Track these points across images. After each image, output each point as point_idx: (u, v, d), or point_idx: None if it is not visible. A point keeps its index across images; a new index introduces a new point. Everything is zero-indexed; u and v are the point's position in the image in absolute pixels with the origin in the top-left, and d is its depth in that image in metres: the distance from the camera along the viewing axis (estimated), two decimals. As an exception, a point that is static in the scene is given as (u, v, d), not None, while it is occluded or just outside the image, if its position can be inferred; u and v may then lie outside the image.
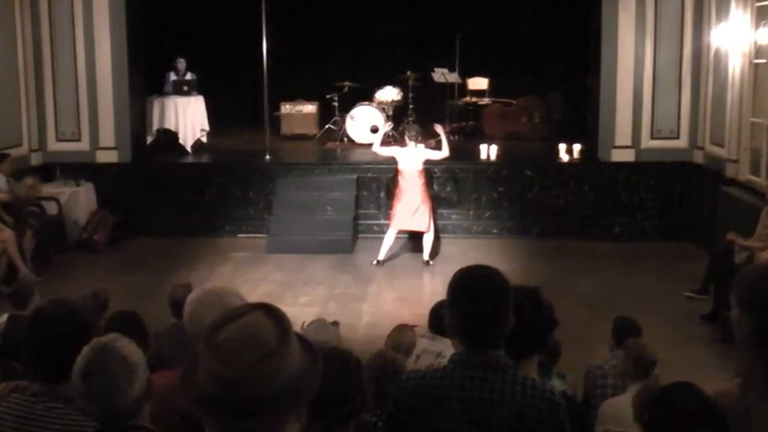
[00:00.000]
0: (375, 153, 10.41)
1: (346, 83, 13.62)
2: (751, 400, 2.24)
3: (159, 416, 2.54)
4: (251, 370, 1.59)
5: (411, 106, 13.33)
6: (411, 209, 9.79)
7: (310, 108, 14.21)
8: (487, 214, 11.31)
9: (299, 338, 1.73)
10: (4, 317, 5.10)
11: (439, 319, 4.63)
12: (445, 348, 4.17)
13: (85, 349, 2.42)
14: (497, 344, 2.55)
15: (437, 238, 10.33)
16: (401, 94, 13.63)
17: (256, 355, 1.61)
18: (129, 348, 2.43)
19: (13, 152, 10.59)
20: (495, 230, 11.27)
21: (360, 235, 11.08)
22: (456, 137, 13.30)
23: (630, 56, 11.30)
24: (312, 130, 14.08)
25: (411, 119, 13.02)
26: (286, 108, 14.12)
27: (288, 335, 1.67)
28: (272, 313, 1.69)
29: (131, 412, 2.40)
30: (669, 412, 2.35)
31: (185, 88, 13.04)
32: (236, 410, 1.60)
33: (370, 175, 11.34)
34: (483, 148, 11.72)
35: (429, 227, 9.92)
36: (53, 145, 11.74)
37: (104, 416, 2.39)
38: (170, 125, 12.86)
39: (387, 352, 4.45)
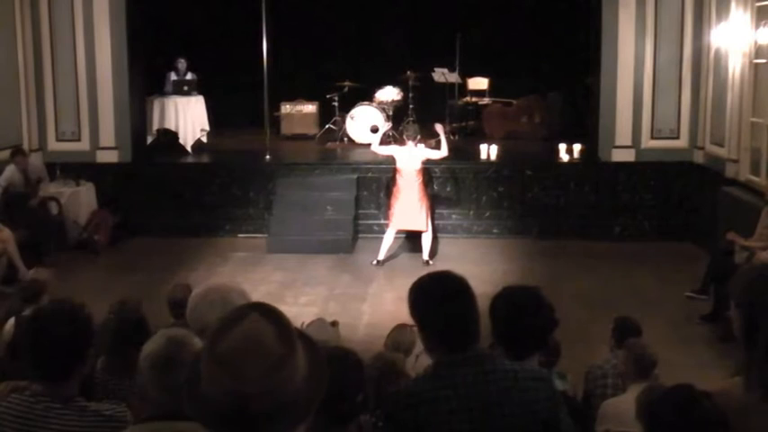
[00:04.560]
0: (375, 153, 10.42)
1: (346, 83, 13.62)
2: (750, 398, 2.25)
3: None
4: (258, 384, 1.54)
5: (411, 106, 13.32)
6: (409, 208, 9.79)
7: (310, 108, 14.21)
8: (487, 214, 11.30)
9: (301, 337, 1.67)
10: (11, 321, 5.10)
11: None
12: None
13: (160, 339, 2.45)
14: (477, 339, 2.60)
15: (435, 238, 10.32)
16: (401, 94, 13.63)
17: (262, 366, 1.55)
18: (200, 346, 2.45)
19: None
20: (495, 230, 11.27)
21: (360, 235, 11.08)
22: (456, 137, 13.30)
23: (630, 56, 11.30)
24: (312, 130, 14.08)
25: (411, 119, 13.02)
26: (286, 108, 14.12)
27: (291, 339, 1.62)
28: (271, 316, 1.63)
29: None
30: (672, 416, 2.35)
31: (185, 88, 13.04)
32: (244, 423, 1.55)
33: (370, 175, 11.34)
34: (483, 148, 11.71)
35: (427, 226, 9.92)
36: (53, 145, 11.74)
37: (171, 407, 2.38)
38: (170, 125, 12.86)
39: (387, 353, 4.45)
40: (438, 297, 2.62)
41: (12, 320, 5.04)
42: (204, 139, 13.27)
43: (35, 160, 10.54)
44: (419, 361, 4.87)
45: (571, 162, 11.63)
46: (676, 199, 11.19)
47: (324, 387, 1.66)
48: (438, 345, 2.61)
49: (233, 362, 1.55)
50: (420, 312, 2.66)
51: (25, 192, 10.06)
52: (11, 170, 10.05)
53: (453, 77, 13.59)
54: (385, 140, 11.37)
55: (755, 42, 9.51)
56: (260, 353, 1.56)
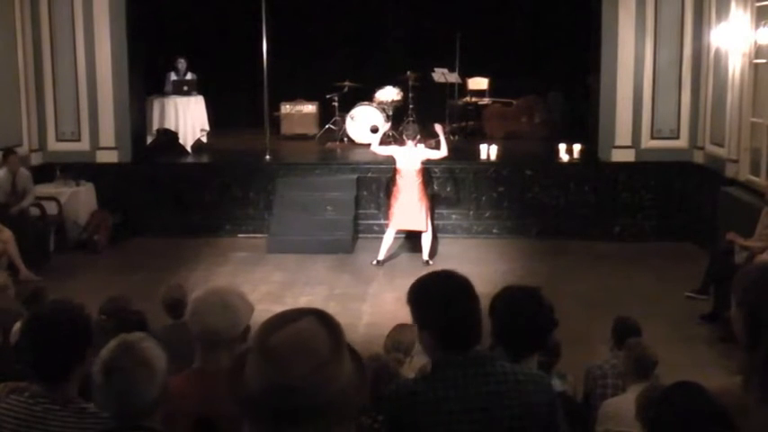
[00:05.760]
0: (374, 153, 10.42)
1: (346, 83, 13.62)
2: (750, 399, 2.24)
3: (167, 418, 2.55)
4: (303, 380, 1.57)
5: (411, 106, 13.31)
6: (409, 208, 9.79)
7: (310, 108, 14.22)
8: (487, 214, 11.30)
9: (351, 351, 1.71)
10: (18, 324, 5.11)
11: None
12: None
13: (112, 344, 2.45)
14: (478, 340, 2.60)
15: (435, 238, 10.32)
16: (401, 94, 13.63)
17: (310, 364, 1.58)
18: (155, 352, 2.46)
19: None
20: (495, 230, 11.27)
21: (360, 235, 11.07)
22: (456, 137, 13.30)
23: (630, 56, 11.29)
24: (312, 130, 14.08)
25: (411, 119, 13.02)
26: (286, 108, 14.12)
27: (341, 345, 1.65)
28: (326, 321, 1.67)
29: (146, 413, 2.42)
30: (675, 412, 2.35)
31: (185, 88, 13.04)
32: (284, 418, 1.58)
33: (370, 175, 11.34)
34: (483, 148, 11.71)
35: (427, 226, 9.91)
36: (53, 145, 11.74)
37: (120, 413, 2.42)
38: (170, 125, 12.86)
39: (382, 354, 4.45)
40: (440, 296, 2.60)
41: (18, 323, 5.05)
42: (204, 139, 13.27)
43: (25, 171, 10.16)
44: (414, 360, 4.88)
45: (571, 162, 11.63)
46: (676, 199, 11.18)
47: (362, 398, 1.68)
48: (438, 345, 2.59)
49: (281, 355, 1.59)
50: (421, 311, 2.64)
51: (7, 202, 9.76)
52: (2, 172, 9.87)
53: (453, 77, 13.59)
54: (385, 140, 11.37)
55: (755, 42, 9.51)
56: (308, 352, 1.59)
